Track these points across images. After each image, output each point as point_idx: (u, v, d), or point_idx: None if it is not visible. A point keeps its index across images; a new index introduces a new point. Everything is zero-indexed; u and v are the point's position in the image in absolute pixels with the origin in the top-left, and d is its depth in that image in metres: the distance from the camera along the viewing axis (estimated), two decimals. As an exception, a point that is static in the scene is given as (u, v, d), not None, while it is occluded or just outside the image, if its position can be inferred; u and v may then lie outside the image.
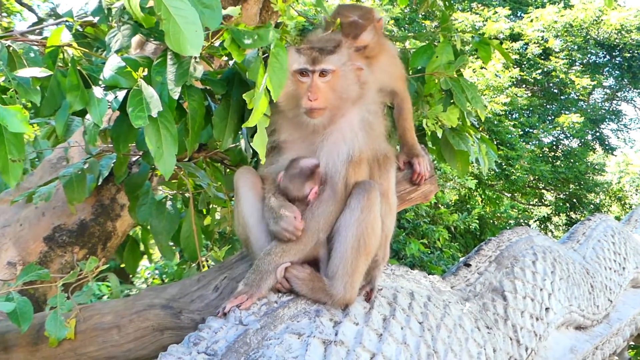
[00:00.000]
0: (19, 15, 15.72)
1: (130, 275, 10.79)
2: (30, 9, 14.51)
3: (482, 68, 20.01)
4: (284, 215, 3.09)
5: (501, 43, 21.83)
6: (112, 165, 4.45)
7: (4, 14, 14.77)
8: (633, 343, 7.34)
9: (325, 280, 3.12)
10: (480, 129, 19.73)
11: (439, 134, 4.30)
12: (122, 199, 4.78)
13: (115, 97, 3.08)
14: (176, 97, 3.07)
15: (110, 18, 3.15)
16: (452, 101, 4.14)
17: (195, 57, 3.13)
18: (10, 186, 2.74)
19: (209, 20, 2.68)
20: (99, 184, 4.53)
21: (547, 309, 4.78)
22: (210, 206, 4.80)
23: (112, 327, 3.64)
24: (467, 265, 4.75)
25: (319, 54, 3.19)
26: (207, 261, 4.75)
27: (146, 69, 3.06)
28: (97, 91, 3.06)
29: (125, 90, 3.04)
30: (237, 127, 3.55)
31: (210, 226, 5.03)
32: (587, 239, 6.56)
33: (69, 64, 3.03)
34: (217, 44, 3.24)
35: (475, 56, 21.59)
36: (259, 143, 3.00)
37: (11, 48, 2.93)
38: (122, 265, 5.64)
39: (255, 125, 2.97)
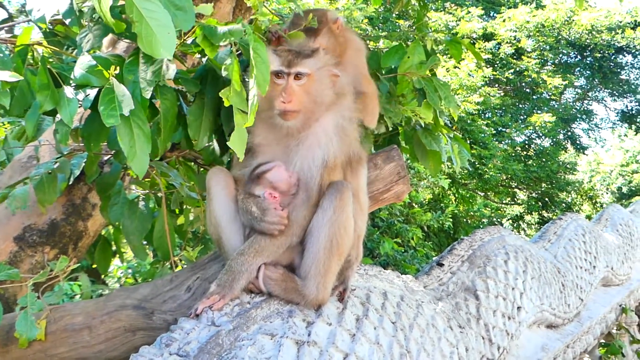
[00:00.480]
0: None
1: (103, 275, 10.70)
2: (0, 5, 14.32)
3: (455, 67, 20.14)
4: (266, 210, 3.09)
5: (474, 43, 22.05)
6: (84, 164, 4.39)
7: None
8: (604, 341, 7.44)
9: (298, 280, 3.12)
10: (454, 127, 19.88)
11: (421, 125, 4.31)
12: (93, 198, 4.73)
13: (87, 95, 3.04)
14: (148, 96, 3.02)
15: (81, 19, 3.10)
16: (425, 100, 4.15)
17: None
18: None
19: (181, 22, 2.66)
20: (70, 183, 4.47)
21: (519, 307, 4.84)
22: (184, 206, 4.77)
23: (83, 328, 3.61)
24: (440, 264, 4.78)
25: (295, 57, 3.20)
26: (181, 261, 4.72)
27: (118, 68, 3.02)
28: (68, 90, 3.02)
29: (97, 89, 3.00)
30: (212, 126, 3.52)
31: (184, 226, 5.00)
32: (558, 238, 6.64)
33: (39, 63, 2.98)
34: (189, 41, 3.22)
35: (449, 55, 21.79)
36: (238, 141, 2.97)
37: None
38: (94, 265, 5.58)
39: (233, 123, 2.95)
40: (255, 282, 3.07)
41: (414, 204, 18.23)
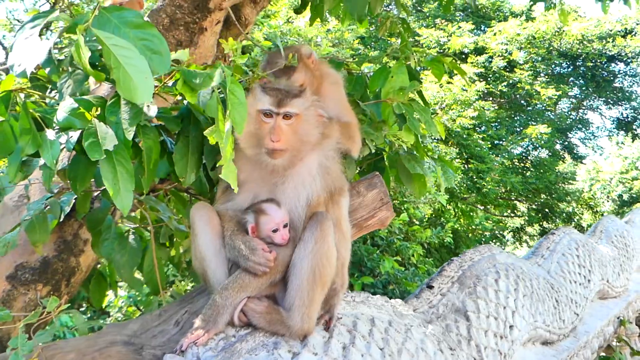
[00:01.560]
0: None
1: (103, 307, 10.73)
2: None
3: (448, 83, 20.27)
4: (253, 250, 3.15)
5: (466, 57, 22.19)
6: (74, 201, 4.45)
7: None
8: (604, 354, 7.43)
9: (282, 312, 3.16)
10: (450, 143, 20.00)
11: (403, 150, 4.37)
12: (84, 234, 4.78)
13: (69, 138, 3.10)
14: (131, 137, 3.09)
15: (60, 68, 3.18)
16: (405, 125, 4.21)
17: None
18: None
19: (157, 66, 2.72)
20: (61, 220, 4.52)
21: (511, 326, 4.86)
22: (174, 239, 4.82)
23: (74, 365, 3.64)
24: (430, 287, 4.81)
25: (284, 97, 3.26)
26: (172, 297, 4.76)
27: (99, 109, 3.09)
28: (50, 134, 3.08)
29: (80, 131, 3.07)
30: (198, 163, 3.59)
31: (176, 257, 5.05)
32: (551, 254, 6.67)
33: (21, 108, 3.05)
34: (170, 83, 3.29)
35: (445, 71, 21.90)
36: (229, 173, 3.01)
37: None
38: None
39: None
40: (240, 316, 3.12)
41: (414, 221, 18.26)
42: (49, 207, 4.26)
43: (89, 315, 12.18)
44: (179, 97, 3.24)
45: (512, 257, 5.67)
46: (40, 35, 2.76)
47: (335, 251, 3.22)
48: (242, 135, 3.12)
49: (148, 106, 3.13)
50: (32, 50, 2.72)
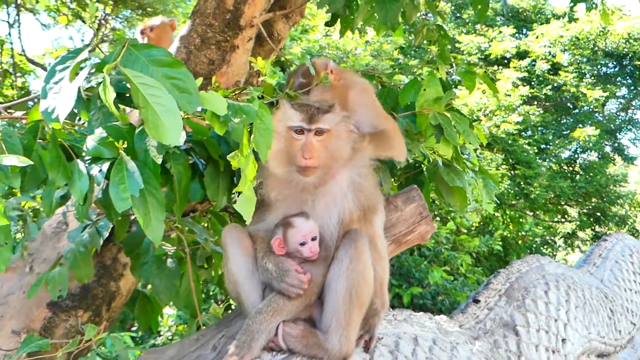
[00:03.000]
0: (33, 75, 15.96)
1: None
2: (43, 67, 14.77)
3: (491, 89, 19.94)
4: (286, 271, 3.07)
5: (508, 62, 21.86)
6: (112, 225, 4.44)
7: (18, 74, 15.04)
8: (664, 363, 7.11)
9: (320, 335, 3.07)
10: (495, 149, 19.69)
11: (439, 162, 4.25)
12: (124, 258, 4.76)
13: (100, 171, 3.07)
14: (159, 163, 3.05)
15: (89, 106, 3.15)
16: (443, 136, 4.09)
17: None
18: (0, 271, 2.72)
19: (186, 105, 2.65)
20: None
21: (563, 340, 4.65)
22: (213, 260, 4.77)
23: (114, 393, 3.61)
24: (476, 301, 4.65)
25: (315, 112, 3.19)
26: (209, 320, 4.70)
27: (126, 142, 3.04)
28: (80, 165, 3.04)
29: (109, 162, 3.03)
30: (230, 186, 3.54)
31: (215, 278, 5.00)
32: (603, 261, 6.41)
33: (50, 138, 3.03)
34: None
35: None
36: (245, 205, 2.95)
37: (-9, 130, 2.93)
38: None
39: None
40: (276, 340, 3.03)
41: (462, 230, 18.01)
42: (88, 238, 4.25)
43: (140, 334, 12.30)
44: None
45: (562, 267, 5.46)
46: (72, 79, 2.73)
47: (372, 270, 3.12)
48: (271, 153, 3.03)
49: (177, 133, 3.07)
50: (64, 96, 2.68)
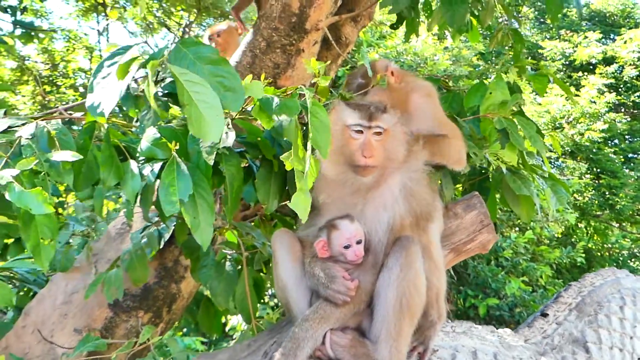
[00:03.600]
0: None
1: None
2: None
3: (576, 95, 19.33)
4: (333, 277, 2.99)
5: (594, 68, 21.08)
6: (173, 227, 4.47)
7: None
8: None
9: (369, 344, 2.97)
10: (579, 158, 19.02)
11: (504, 169, 4.07)
12: (185, 260, 4.79)
13: (152, 169, 3.07)
14: (211, 164, 3.03)
15: (137, 104, 3.18)
16: (508, 142, 3.92)
17: (228, 124, 3.12)
18: (42, 268, 2.75)
19: (230, 104, 2.64)
20: (161, 247, 4.55)
21: (639, 359, 4.39)
22: (270, 264, 4.73)
23: (166, 394, 3.61)
24: (544, 315, 4.44)
25: (374, 111, 3.14)
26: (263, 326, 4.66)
27: (179, 144, 3.04)
28: (133, 165, 3.07)
29: (162, 162, 3.03)
30: (281, 188, 3.50)
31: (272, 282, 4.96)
32: (689, 276, 6.04)
33: (104, 138, 3.06)
34: (249, 108, 3.21)
35: (568, 83, 20.95)
36: (300, 204, 2.88)
37: (45, 129, 2.97)
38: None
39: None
40: (322, 349, 2.95)
41: (543, 240, 17.45)
42: (146, 240, 4.29)
43: (214, 339, 12.41)
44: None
45: None
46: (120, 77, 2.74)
47: (424, 279, 3.01)
48: (335, 149, 3.03)
49: (226, 133, 3.04)
50: (110, 91, 2.70)
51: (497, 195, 4.30)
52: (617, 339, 4.35)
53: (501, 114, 3.88)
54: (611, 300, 4.61)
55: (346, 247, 3.04)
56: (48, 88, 14.08)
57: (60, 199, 6.54)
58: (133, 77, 2.84)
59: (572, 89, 19.56)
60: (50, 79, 14.48)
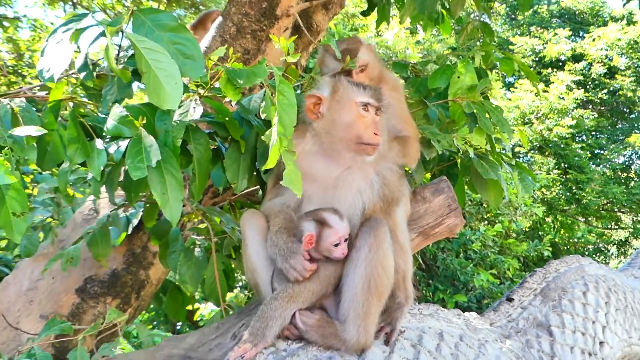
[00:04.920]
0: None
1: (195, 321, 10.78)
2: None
3: (544, 91, 19.57)
4: (294, 253, 2.97)
5: (563, 64, 21.36)
6: (142, 213, 4.43)
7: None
8: None
9: (337, 324, 2.96)
10: (547, 153, 19.25)
11: (472, 154, 4.08)
12: (154, 246, 4.74)
13: (118, 147, 3.04)
14: (179, 143, 3.01)
15: (93, 72, 3.13)
16: (477, 126, 3.95)
17: (196, 100, 3.09)
18: (15, 241, 2.71)
19: (190, 71, 2.63)
20: (130, 232, 4.51)
21: (601, 342, 4.44)
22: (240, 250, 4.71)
23: (132, 379, 3.57)
24: (510, 299, 4.47)
25: (379, 92, 3.17)
26: (230, 307, 4.65)
27: (145, 118, 3.00)
28: (99, 143, 3.02)
29: (128, 140, 2.99)
30: (250, 168, 3.46)
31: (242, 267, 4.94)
32: (650, 265, 6.13)
33: (69, 117, 3.01)
34: (217, 85, 3.18)
35: (541, 79, 21.19)
36: (292, 180, 2.86)
37: (8, 106, 2.92)
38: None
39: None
40: (291, 329, 2.94)
41: (511, 233, 17.60)
42: (111, 219, 4.24)
43: (181, 332, 12.30)
44: (226, 99, 3.10)
45: (603, 269, 5.22)
46: (74, 40, 2.69)
47: (392, 260, 3.00)
48: (337, 124, 3.07)
49: (194, 108, 3.02)
50: (61, 55, 2.65)
51: (467, 179, 4.32)
52: (580, 324, 4.38)
53: (470, 98, 3.90)
54: (575, 286, 4.65)
55: (336, 245, 2.99)
56: (13, 78, 13.78)
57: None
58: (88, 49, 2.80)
59: (542, 85, 19.80)
60: (16, 69, 14.18)
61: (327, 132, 3.11)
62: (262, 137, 2.82)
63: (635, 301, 5.11)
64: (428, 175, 4.59)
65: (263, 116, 3.24)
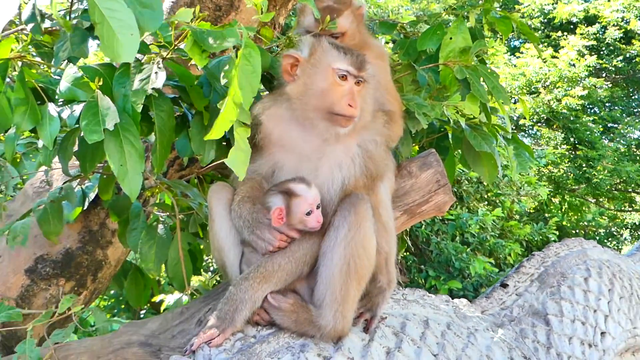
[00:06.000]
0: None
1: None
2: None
3: (553, 57, 19.58)
4: (260, 223, 3.04)
5: (575, 27, 21.38)
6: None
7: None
8: None
9: (312, 309, 3.02)
10: (555, 126, 19.33)
11: (463, 124, 4.13)
12: (113, 224, 4.77)
13: (72, 111, 3.06)
14: (140, 109, 3.03)
15: (41, 27, 3.14)
16: (470, 93, 3.99)
17: (158, 63, 3.11)
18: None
19: (148, 22, 2.63)
20: (86, 208, 4.52)
21: (602, 333, 4.55)
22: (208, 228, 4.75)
23: (88, 368, 3.63)
24: (504, 285, 4.56)
25: (363, 60, 3.19)
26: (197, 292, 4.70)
27: (102, 80, 3.02)
28: (51, 108, 3.04)
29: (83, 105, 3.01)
30: (220, 138, 3.48)
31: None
32: (660, 249, 6.25)
33: (16, 78, 3.02)
34: (182, 45, 3.20)
35: (545, 43, 21.22)
36: (237, 159, 2.91)
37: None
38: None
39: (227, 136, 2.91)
40: (261, 313, 3.00)
41: (513, 215, 17.69)
42: (64, 191, 4.25)
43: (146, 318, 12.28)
44: (192, 63, 3.12)
45: (608, 253, 5.32)
46: None
47: (374, 240, 3.06)
48: (310, 90, 3.10)
49: (156, 74, 3.04)
50: (6, 4, 2.66)
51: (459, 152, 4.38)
52: (579, 312, 4.48)
53: (462, 62, 3.95)
54: (576, 271, 4.74)
55: (308, 214, 3.05)
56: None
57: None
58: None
59: (550, 50, 19.82)
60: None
61: (300, 98, 3.15)
62: (218, 105, 2.83)
63: (642, 289, 5.22)
64: (416, 147, 4.64)
65: (223, 82, 3.24)
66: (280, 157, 3.21)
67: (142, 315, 11.51)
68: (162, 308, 10.76)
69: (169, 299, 10.55)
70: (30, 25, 3.17)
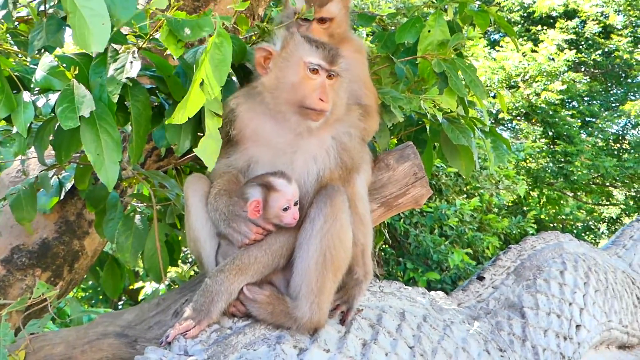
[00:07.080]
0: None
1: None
2: None
3: (533, 51, 19.68)
4: (236, 216, 3.04)
5: (554, 21, 21.48)
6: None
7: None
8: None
9: (288, 301, 3.03)
10: (533, 120, 19.44)
11: (440, 118, 4.13)
12: (90, 214, 4.74)
13: (47, 100, 3.04)
14: (116, 99, 3.01)
15: (12, 15, 3.11)
16: (447, 87, 4.00)
17: (134, 53, 3.09)
18: None
19: (120, 11, 2.62)
20: (62, 198, 4.50)
21: (577, 326, 4.60)
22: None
23: (63, 359, 3.61)
24: (481, 278, 4.60)
25: (335, 53, 3.18)
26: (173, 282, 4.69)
27: (78, 69, 3.00)
28: (26, 95, 3.02)
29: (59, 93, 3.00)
30: (195, 128, 3.47)
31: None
32: (635, 243, 6.32)
33: (-8, 67, 3.00)
34: (157, 35, 3.18)
35: (525, 37, 21.33)
36: (208, 149, 2.91)
37: None
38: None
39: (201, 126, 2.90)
40: (237, 305, 3.00)
41: (492, 208, 17.77)
42: (38, 179, 4.23)
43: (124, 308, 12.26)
44: (167, 53, 3.11)
45: (584, 247, 5.38)
46: None
47: (351, 232, 3.07)
48: (282, 84, 3.09)
49: (131, 63, 3.02)
50: None
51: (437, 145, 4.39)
52: (555, 305, 4.53)
53: (440, 55, 3.96)
54: (552, 264, 4.79)
55: (285, 210, 3.05)
56: None
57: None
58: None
59: (530, 44, 19.92)
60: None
61: (272, 92, 3.15)
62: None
63: (617, 282, 5.28)
64: (394, 140, 4.65)
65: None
66: (255, 151, 3.21)
67: (120, 306, 11.51)
68: (139, 296, 10.78)
69: (147, 287, 10.58)
70: (2, 13, 3.13)
